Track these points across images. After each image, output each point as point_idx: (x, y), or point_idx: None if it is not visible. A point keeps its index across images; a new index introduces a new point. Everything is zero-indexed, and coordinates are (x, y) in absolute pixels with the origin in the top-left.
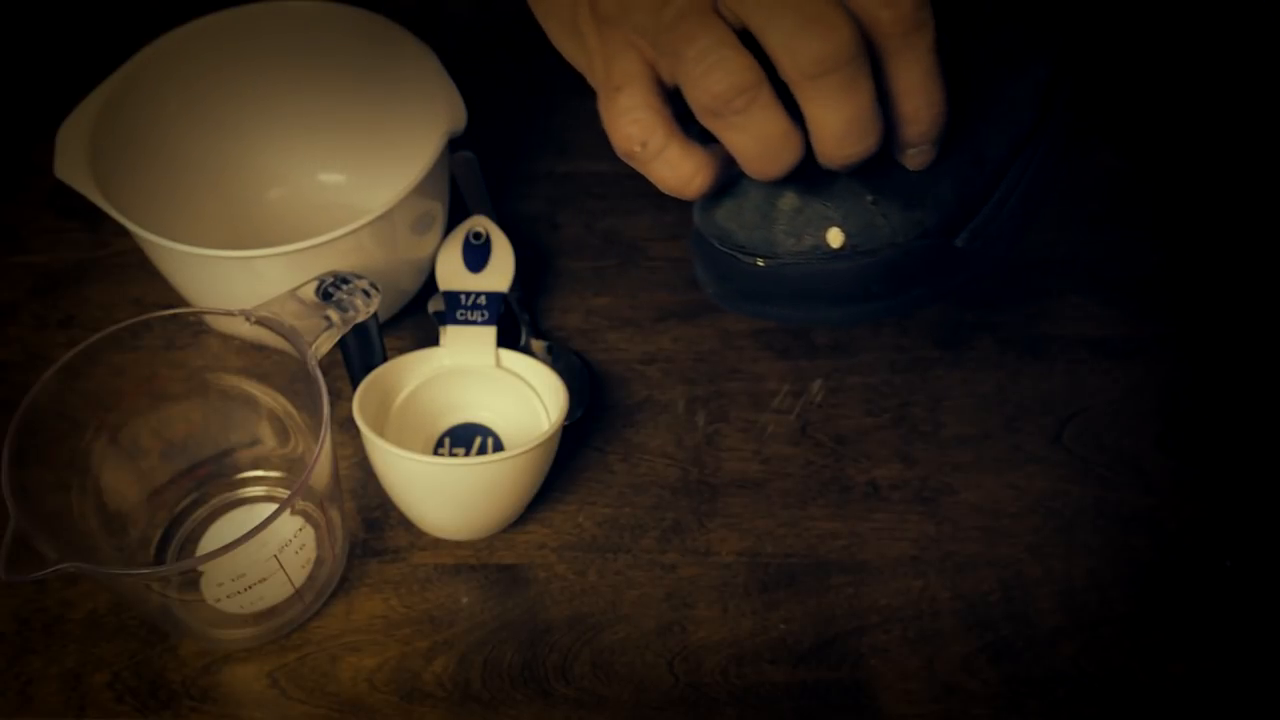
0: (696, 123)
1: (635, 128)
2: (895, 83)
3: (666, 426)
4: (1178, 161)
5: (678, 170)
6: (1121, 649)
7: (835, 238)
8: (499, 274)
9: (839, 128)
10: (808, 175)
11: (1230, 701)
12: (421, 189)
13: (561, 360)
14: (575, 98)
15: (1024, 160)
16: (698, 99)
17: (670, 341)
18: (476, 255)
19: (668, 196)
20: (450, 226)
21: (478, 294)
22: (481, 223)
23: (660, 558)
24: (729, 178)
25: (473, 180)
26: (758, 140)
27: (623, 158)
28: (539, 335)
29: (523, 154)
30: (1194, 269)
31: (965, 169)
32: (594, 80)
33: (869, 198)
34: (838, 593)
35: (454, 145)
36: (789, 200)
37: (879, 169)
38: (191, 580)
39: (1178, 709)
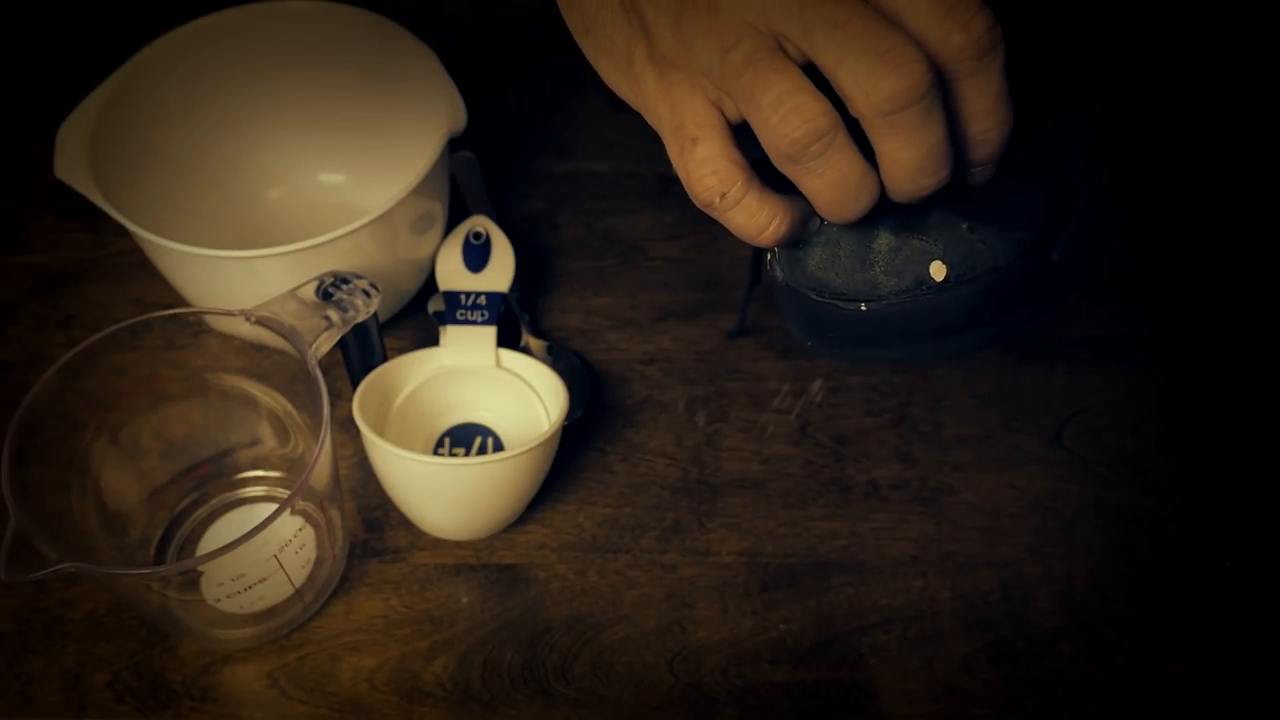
0: (768, 164)
1: (714, 179)
2: (966, 105)
3: (666, 426)
4: (1178, 161)
5: (755, 219)
6: (1121, 649)
7: (938, 270)
8: (499, 274)
9: (915, 162)
10: (898, 211)
11: (1230, 701)
12: (421, 189)
13: (561, 360)
14: (575, 98)
15: (1099, 164)
16: (775, 146)
17: (670, 341)
18: (476, 255)
19: (668, 196)
20: (450, 226)
21: (478, 294)
22: (481, 223)
23: (660, 558)
24: (805, 224)
25: (473, 180)
26: (835, 185)
27: (701, 207)
28: (539, 335)
29: (523, 154)
30: (1194, 269)
31: (1050, 180)
32: (657, 124)
33: (964, 225)
34: (838, 593)
35: (454, 145)
36: (884, 240)
37: (969, 193)
38: (191, 580)
39: (1178, 709)
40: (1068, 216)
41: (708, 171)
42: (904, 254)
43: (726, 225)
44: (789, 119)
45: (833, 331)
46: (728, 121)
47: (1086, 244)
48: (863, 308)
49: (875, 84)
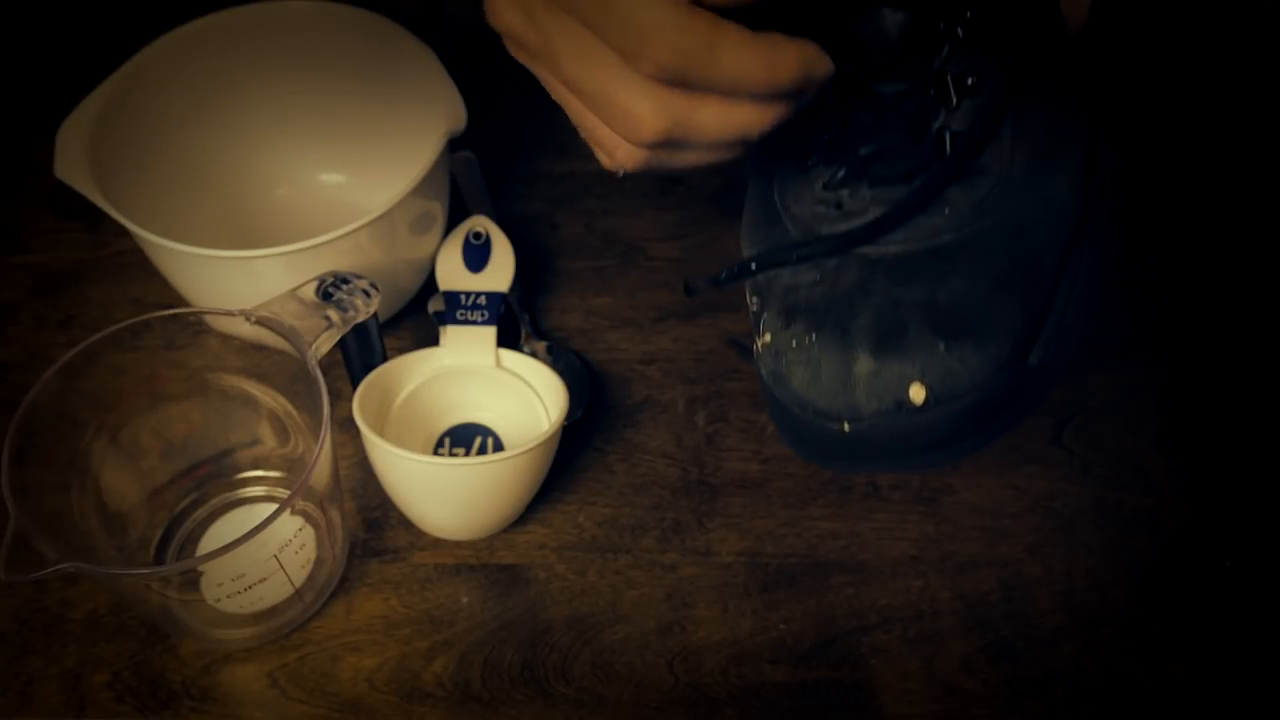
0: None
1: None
2: None
3: (666, 426)
4: (1178, 162)
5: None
6: (1121, 649)
7: (917, 393)
8: (499, 274)
9: None
10: (879, 335)
11: (1230, 701)
12: (421, 189)
13: (561, 360)
14: None
15: (1076, 257)
16: None
17: (670, 341)
18: (476, 255)
19: (668, 196)
20: (450, 226)
21: (478, 294)
22: (481, 223)
23: (660, 558)
24: (801, 344)
25: (473, 180)
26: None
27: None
28: (539, 335)
29: (523, 154)
30: (1194, 270)
31: (1026, 287)
32: None
33: (942, 345)
34: (838, 593)
35: (454, 145)
36: (864, 364)
37: (947, 311)
38: (191, 580)
39: (1178, 709)
40: (1044, 319)
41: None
42: (883, 378)
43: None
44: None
45: (818, 446)
46: None
47: (1064, 341)
48: (845, 428)
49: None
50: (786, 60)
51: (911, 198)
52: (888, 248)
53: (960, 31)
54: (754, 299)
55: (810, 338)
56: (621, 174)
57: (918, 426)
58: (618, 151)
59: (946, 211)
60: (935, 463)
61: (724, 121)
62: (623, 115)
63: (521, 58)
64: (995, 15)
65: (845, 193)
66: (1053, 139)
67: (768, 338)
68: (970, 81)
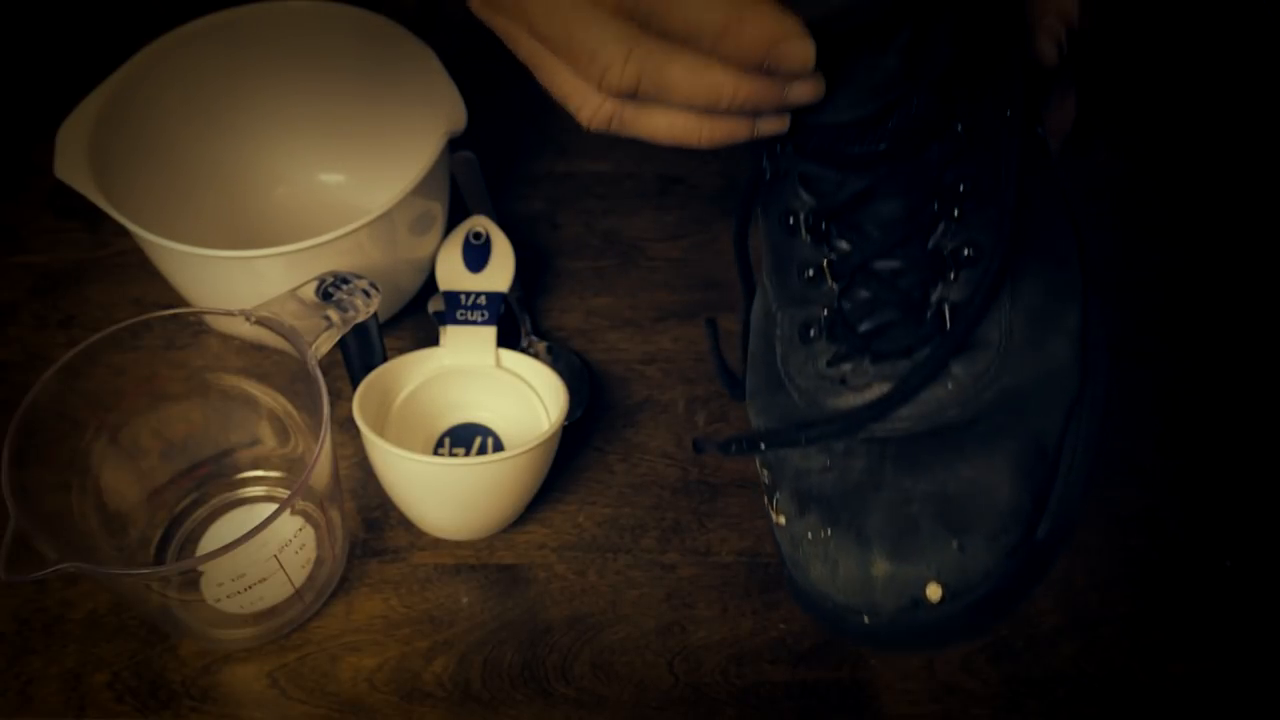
0: None
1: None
2: None
3: (666, 426)
4: (1178, 162)
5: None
6: (1121, 649)
7: (934, 591)
8: (499, 274)
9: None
10: (893, 536)
11: (1230, 701)
12: (421, 189)
13: (561, 360)
14: None
15: (1076, 420)
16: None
17: (670, 341)
18: (476, 255)
19: (668, 196)
20: (450, 226)
21: (478, 294)
22: (481, 223)
23: (660, 558)
24: (817, 538)
25: (473, 180)
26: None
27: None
28: (539, 335)
29: (523, 154)
30: (1194, 270)
31: (1033, 465)
32: None
33: (955, 543)
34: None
35: (454, 145)
36: (881, 567)
37: (957, 507)
38: (191, 580)
39: (1178, 709)
40: (1050, 491)
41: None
42: (900, 579)
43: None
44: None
45: (839, 628)
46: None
47: (1070, 508)
48: (865, 620)
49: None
50: (755, 21)
51: (914, 376)
52: (895, 424)
53: (956, 211)
54: (765, 471)
55: (826, 532)
56: (591, 130)
57: (935, 619)
58: (586, 104)
59: (950, 386)
60: (956, 646)
61: (694, 81)
62: (589, 59)
63: (486, 14)
64: (990, 191)
65: (848, 367)
66: (1050, 300)
67: (783, 520)
68: (967, 253)
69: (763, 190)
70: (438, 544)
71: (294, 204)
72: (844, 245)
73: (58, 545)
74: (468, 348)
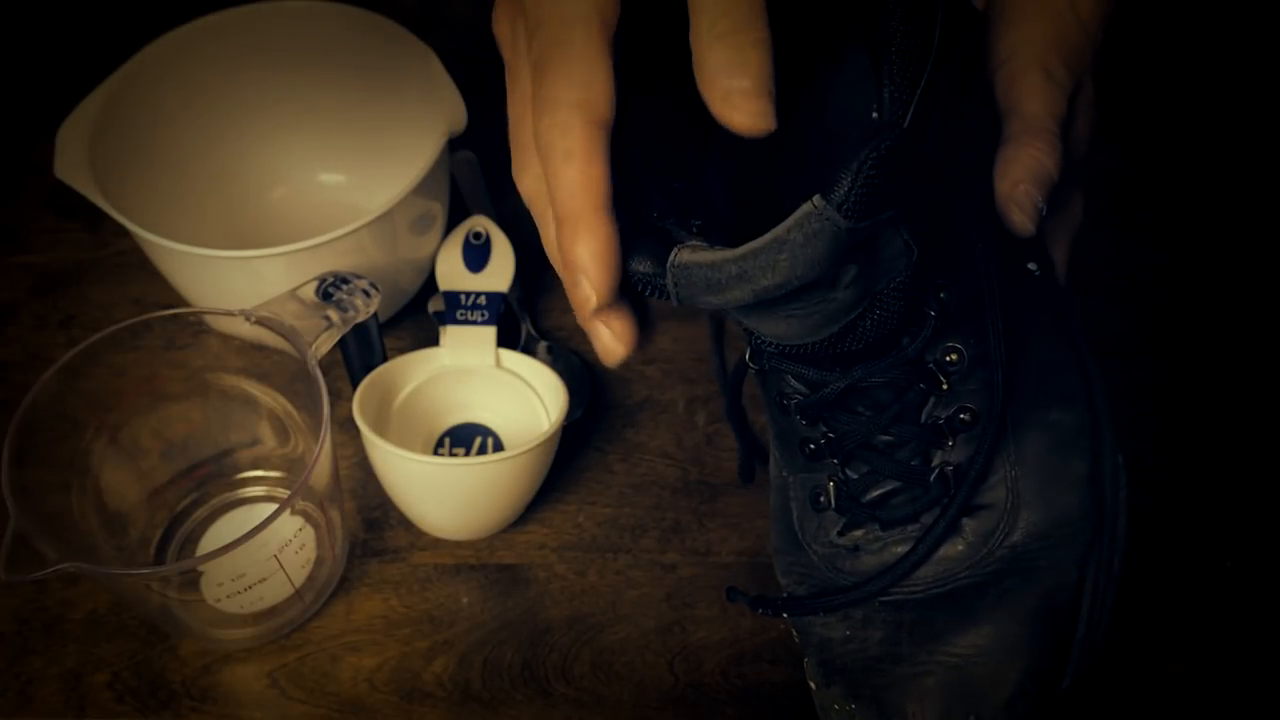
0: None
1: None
2: None
3: (666, 426)
4: (1177, 161)
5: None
6: (1122, 649)
7: None
8: (499, 274)
9: None
10: (913, 710)
11: (1230, 701)
12: (421, 189)
13: (561, 360)
14: None
15: (1092, 564)
16: None
17: (670, 341)
18: (476, 255)
19: None
20: (450, 226)
21: (478, 294)
22: (481, 223)
23: (660, 558)
24: (843, 710)
25: (473, 180)
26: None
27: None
28: (539, 335)
29: None
30: (1194, 269)
31: (1048, 626)
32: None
33: (972, 717)
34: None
35: (454, 145)
36: None
37: (975, 679)
38: (191, 580)
39: (1178, 709)
40: (1070, 643)
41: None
42: None
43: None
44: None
45: None
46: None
47: (1092, 656)
48: None
49: None
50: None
51: (924, 543)
52: (910, 588)
53: (944, 384)
54: (793, 631)
55: (850, 706)
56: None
57: None
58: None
59: (960, 547)
60: None
61: (552, 249)
62: (516, 156)
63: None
64: (977, 357)
65: (859, 534)
66: (1055, 449)
67: (813, 685)
68: (963, 419)
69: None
70: (438, 544)
71: (294, 204)
72: (838, 426)
73: (58, 545)
74: (468, 348)
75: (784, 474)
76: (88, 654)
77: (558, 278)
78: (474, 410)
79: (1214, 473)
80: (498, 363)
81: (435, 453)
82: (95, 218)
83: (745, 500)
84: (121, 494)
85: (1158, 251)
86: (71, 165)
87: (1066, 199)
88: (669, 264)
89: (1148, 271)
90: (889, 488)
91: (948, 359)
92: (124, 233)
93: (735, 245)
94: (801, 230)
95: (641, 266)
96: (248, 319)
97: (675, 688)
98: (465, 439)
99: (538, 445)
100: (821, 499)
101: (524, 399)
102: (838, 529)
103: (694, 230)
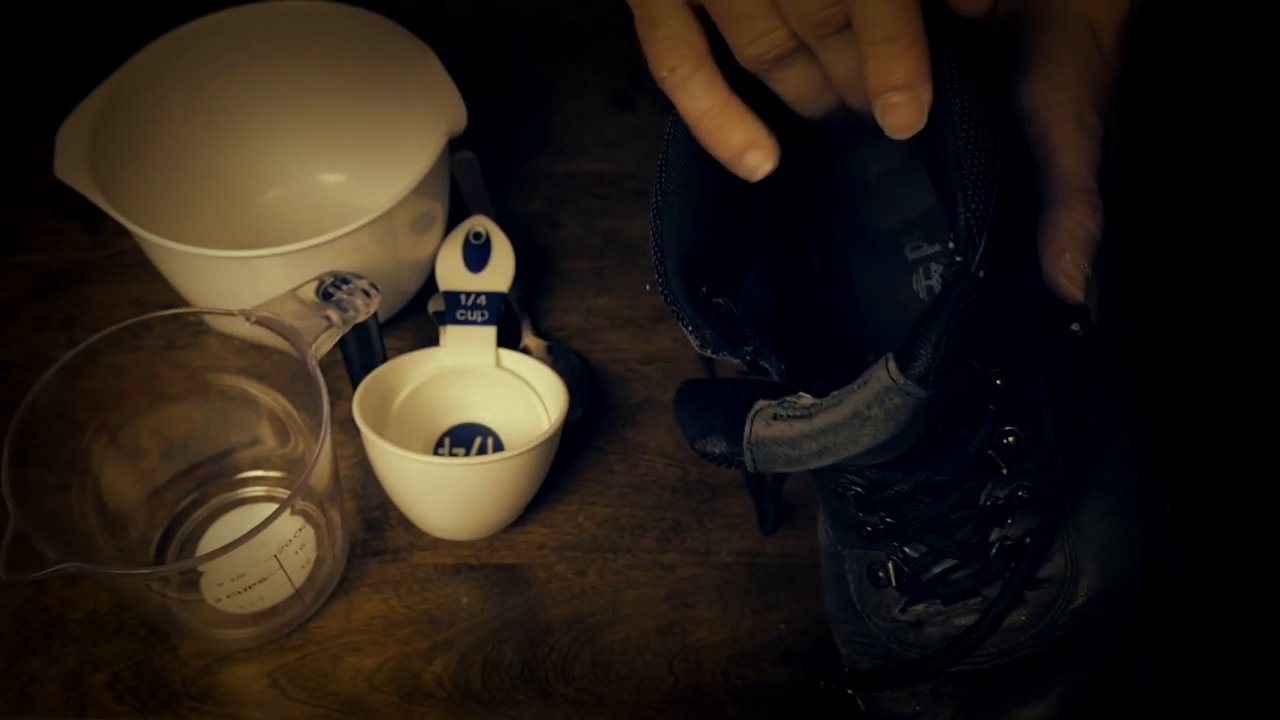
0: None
1: (669, 55)
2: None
3: (666, 426)
4: (1176, 161)
5: (697, 101)
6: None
7: None
8: (499, 274)
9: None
10: None
11: (1230, 701)
12: (421, 189)
13: (561, 360)
14: (575, 98)
15: (1150, 634)
16: (745, 62)
17: (670, 341)
18: (476, 255)
19: None
20: (450, 226)
21: (478, 294)
22: (481, 223)
23: (660, 558)
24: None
25: (473, 180)
26: (798, 87)
27: (656, 81)
28: (539, 335)
29: (523, 154)
30: (1192, 269)
31: (1111, 691)
32: None
33: None
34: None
35: (454, 145)
36: None
37: None
38: (191, 580)
39: (1178, 709)
40: (1136, 706)
41: (664, 48)
42: None
43: (678, 107)
44: (756, 42)
45: None
46: (691, 6)
47: (1159, 710)
48: None
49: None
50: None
51: (986, 620)
52: (977, 663)
53: (1003, 470)
54: (860, 701)
55: None
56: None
57: None
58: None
59: (1023, 618)
60: None
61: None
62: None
63: None
64: (1033, 438)
65: (921, 608)
66: (1108, 516)
67: None
68: (1021, 496)
69: None
70: (438, 544)
71: (294, 204)
72: (898, 515)
73: (58, 545)
74: (468, 348)
75: (837, 547)
76: (88, 654)
77: (558, 278)
78: (474, 410)
79: (1214, 473)
80: (498, 363)
81: (435, 453)
82: (95, 218)
83: (745, 500)
84: (121, 494)
85: (1158, 251)
86: (71, 165)
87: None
88: (746, 440)
89: (1147, 271)
90: (949, 565)
91: (1005, 442)
92: (124, 233)
93: (784, 349)
94: (883, 406)
95: (716, 448)
96: (248, 319)
97: (675, 688)
98: (465, 439)
99: (538, 445)
100: (880, 575)
101: (524, 399)
102: (900, 607)
103: (747, 358)
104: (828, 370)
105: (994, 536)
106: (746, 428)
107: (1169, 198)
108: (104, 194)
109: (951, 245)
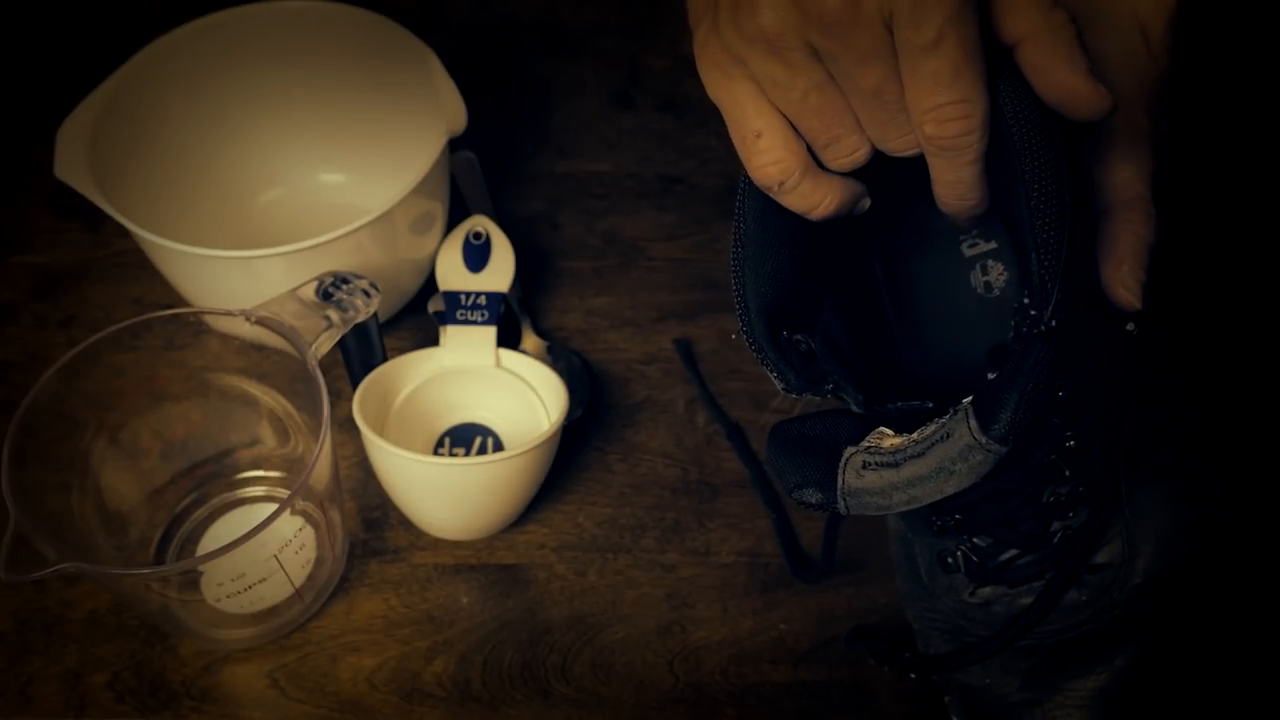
0: None
1: (775, 169)
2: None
3: (666, 426)
4: (1176, 160)
5: (809, 199)
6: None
7: None
8: (499, 274)
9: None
10: None
11: (1230, 701)
12: (421, 189)
13: (561, 360)
14: (575, 98)
15: (1204, 616)
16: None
17: (670, 341)
18: (476, 255)
19: (668, 196)
20: (450, 226)
21: (478, 294)
22: (481, 223)
23: (660, 558)
24: (855, 200)
25: (473, 180)
26: (812, 206)
27: (762, 190)
28: (539, 335)
29: (523, 154)
30: (1192, 268)
31: (1171, 668)
32: (719, 107)
33: None
34: (838, 593)
35: (454, 145)
36: None
37: (1110, 710)
38: (191, 580)
39: (1227, 682)
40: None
41: (769, 161)
42: None
43: (782, 203)
44: (842, 160)
45: None
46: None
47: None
48: None
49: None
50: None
51: (1043, 599)
52: (1042, 638)
53: (1067, 472)
54: (935, 677)
55: None
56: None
57: None
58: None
59: (1083, 597)
60: None
61: None
62: None
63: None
64: (1091, 438)
65: (988, 591)
66: (1168, 501)
67: None
68: (1082, 490)
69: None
70: (438, 544)
71: (294, 204)
72: (966, 513)
73: (58, 545)
74: (468, 348)
75: (907, 534)
76: (88, 654)
77: (558, 278)
78: (474, 410)
79: (1213, 473)
80: (498, 363)
81: (435, 453)
82: (95, 218)
83: (745, 500)
84: (121, 494)
85: (1158, 251)
86: (71, 165)
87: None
88: (839, 491)
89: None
90: (1013, 553)
91: (1066, 445)
92: (124, 233)
93: (857, 372)
94: (966, 461)
95: (813, 499)
96: (248, 319)
97: (675, 688)
98: (465, 439)
99: (538, 445)
100: (950, 561)
101: (524, 399)
102: (968, 591)
103: (828, 395)
104: (894, 378)
105: (1055, 527)
106: (839, 478)
107: (1169, 197)
108: (104, 194)
109: (1026, 300)
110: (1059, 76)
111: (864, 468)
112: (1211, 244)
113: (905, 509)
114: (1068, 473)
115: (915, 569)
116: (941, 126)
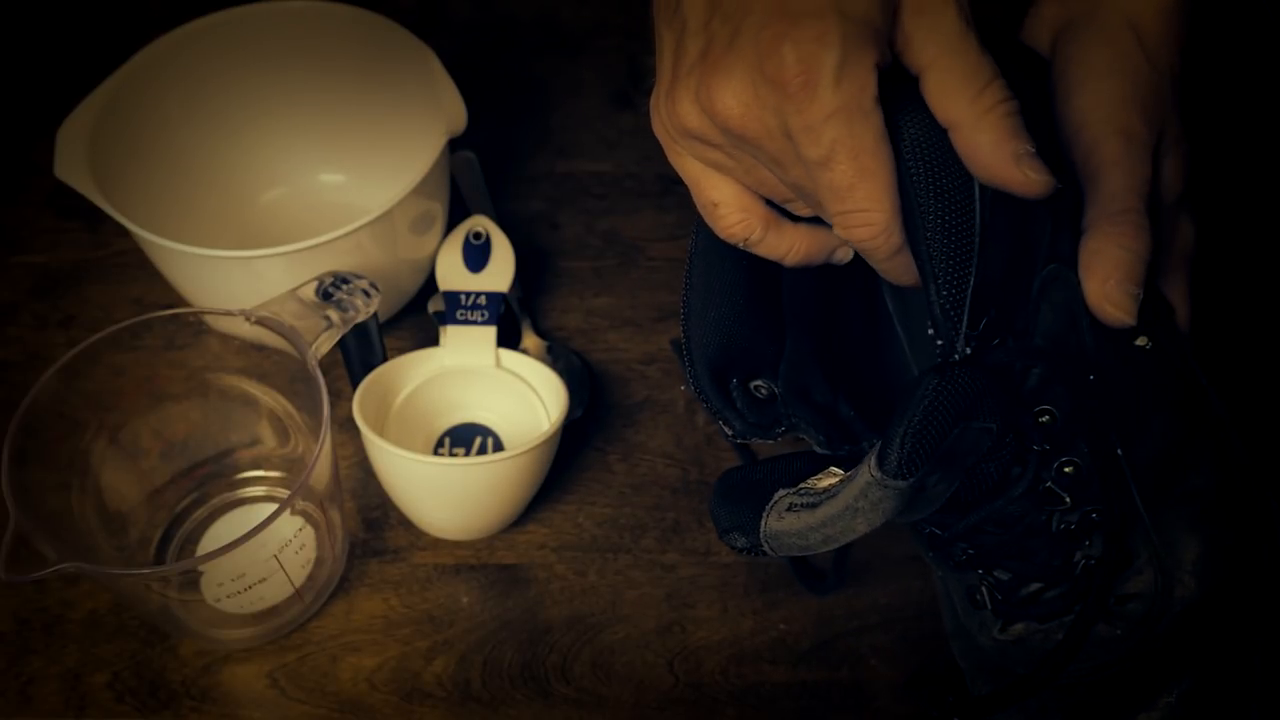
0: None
1: (739, 229)
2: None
3: (666, 426)
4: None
5: (776, 249)
6: None
7: None
8: (499, 274)
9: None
10: None
11: (1230, 701)
12: (421, 189)
13: (561, 360)
14: (575, 98)
15: (1261, 644)
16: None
17: (670, 341)
18: (476, 255)
19: (668, 196)
20: (450, 226)
21: (478, 294)
22: (481, 223)
23: (660, 558)
24: (825, 248)
25: (473, 180)
26: (782, 254)
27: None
28: (539, 335)
29: (523, 154)
30: (1194, 269)
31: (1216, 699)
32: (679, 171)
33: None
34: (838, 593)
35: (454, 145)
36: None
37: None
38: (191, 580)
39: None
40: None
41: (731, 224)
42: None
43: (755, 253)
44: (726, 229)
45: None
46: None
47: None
48: None
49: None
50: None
51: (1070, 634)
52: (1080, 674)
53: (1067, 499)
54: None
55: None
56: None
57: None
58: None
59: (1119, 631)
60: None
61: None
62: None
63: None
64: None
65: (1019, 628)
66: (1199, 523)
67: None
68: (1094, 517)
69: None
70: (438, 544)
71: (294, 204)
72: (975, 544)
73: (58, 545)
74: (468, 348)
75: (939, 571)
76: (88, 654)
77: (558, 278)
78: (474, 410)
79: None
80: (498, 363)
81: (435, 453)
82: (95, 218)
83: None
84: (121, 494)
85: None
86: (71, 165)
87: (1172, 232)
88: (761, 534)
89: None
90: (1037, 587)
91: (1064, 471)
92: (124, 233)
93: (834, 424)
94: (867, 499)
95: (739, 543)
96: (248, 319)
97: (675, 688)
98: (465, 439)
99: (538, 445)
100: (978, 597)
101: (524, 399)
102: (998, 628)
103: (778, 438)
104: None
105: (1077, 557)
106: (762, 522)
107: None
108: (104, 194)
109: (931, 331)
110: (986, 164)
111: (788, 510)
112: (1246, 248)
113: (824, 549)
114: (1068, 499)
115: (952, 605)
116: (848, 232)
